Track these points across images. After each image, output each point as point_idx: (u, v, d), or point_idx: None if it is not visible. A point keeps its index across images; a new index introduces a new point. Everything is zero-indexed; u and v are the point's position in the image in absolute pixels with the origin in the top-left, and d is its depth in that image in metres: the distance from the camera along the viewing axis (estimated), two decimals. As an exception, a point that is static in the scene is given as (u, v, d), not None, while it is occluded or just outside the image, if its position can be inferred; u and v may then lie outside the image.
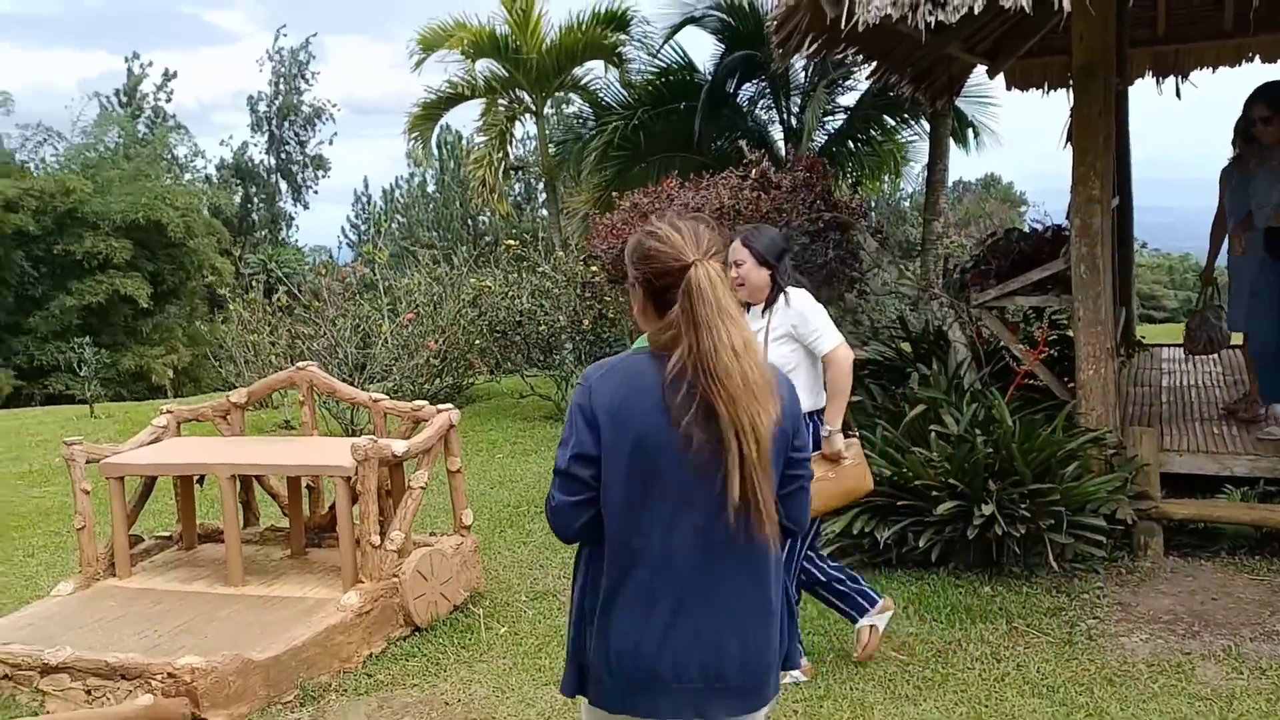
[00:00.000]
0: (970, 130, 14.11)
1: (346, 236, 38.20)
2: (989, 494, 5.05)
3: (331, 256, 32.55)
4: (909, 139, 14.68)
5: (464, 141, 32.04)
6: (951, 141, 13.14)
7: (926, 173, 13.12)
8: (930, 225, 12.53)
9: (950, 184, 16.70)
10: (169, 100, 35.91)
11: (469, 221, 31.38)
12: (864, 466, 4.07)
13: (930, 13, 4.81)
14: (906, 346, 7.23)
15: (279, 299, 10.14)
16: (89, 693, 4.05)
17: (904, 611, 4.81)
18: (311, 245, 36.97)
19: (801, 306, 3.98)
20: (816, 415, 4.01)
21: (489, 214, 24.46)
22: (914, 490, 5.21)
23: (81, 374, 13.14)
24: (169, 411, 5.68)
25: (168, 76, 36.06)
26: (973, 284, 6.52)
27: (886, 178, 17.01)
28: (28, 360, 25.41)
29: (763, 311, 4.02)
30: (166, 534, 5.77)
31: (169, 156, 31.86)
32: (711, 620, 2.04)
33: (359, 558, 4.80)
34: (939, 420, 5.54)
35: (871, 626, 4.28)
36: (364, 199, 38.80)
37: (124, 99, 34.99)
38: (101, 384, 17.64)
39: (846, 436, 4.04)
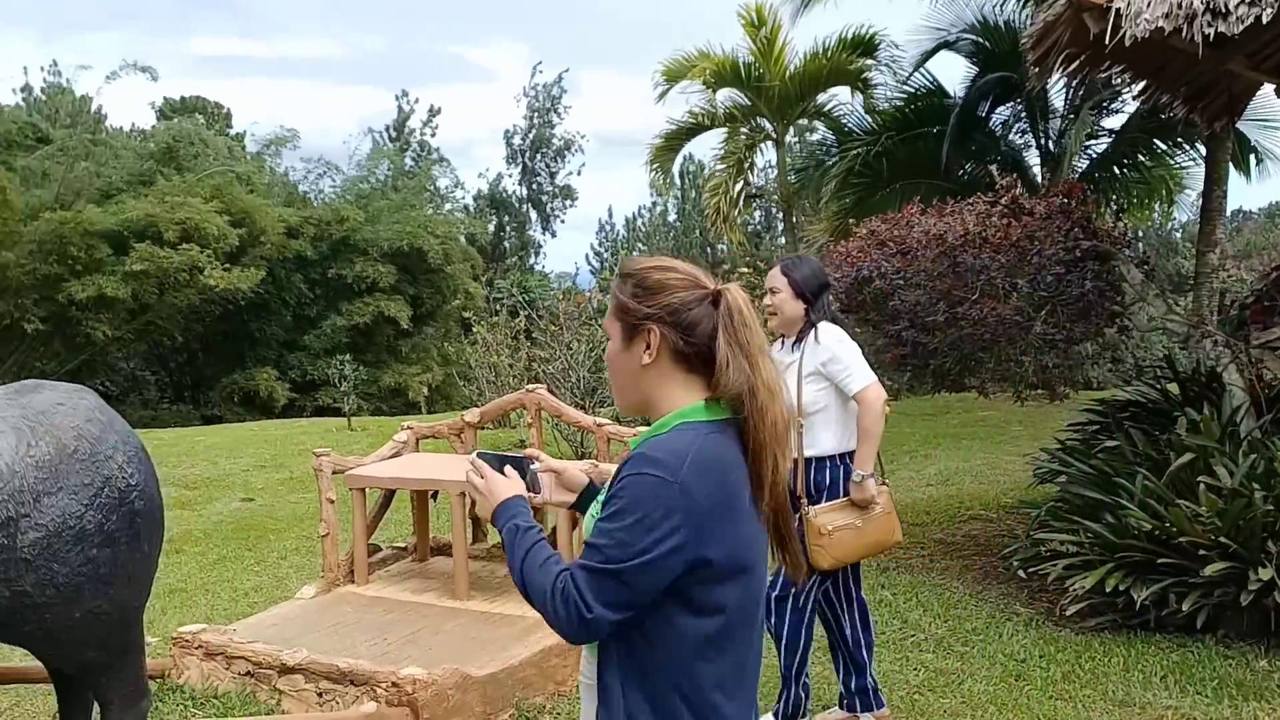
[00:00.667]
0: (1253, 155, 12.78)
1: (590, 264, 39.55)
2: (1268, 556, 4.49)
3: (574, 283, 33.72)
4: (1183, 164, 13.48)
5: (704, 170, 32.41)
6: (1231, 167, 11.94)
7: (1201, 200, 12.00)
8: (1205, 257, 11.37)
9: (1229, 213, 15.25)
10: (434, 135, 38.50)
11: (708, 249, 31.67)
12: (893, 517, 3.88)
13: (1209, 24, 4.34)
14: (1173, 388, 6.56)
15: (519, 323, 10.50)
16: (320, 695, 4.23)
17: (1162, 682, 4.32)
18: (557, 272, 38.50)
19: (831, 343, 3.84)
20: (846, 458, 3.86)
21: (727, 242, 24.55)
22: (1178, 548, 4.70)
23: (342, 389, 14.12)
24: (409, 428, 5.93)
25: (433, 112, 38.67)
26: (1253, 321, 5.85)
27: (1156, 206, 15.71)
28: (301, 374, 27.69)
29: (793, 346, 3.90)
30: (403, 545, 6.02)
31: (432, 188, 34.05)
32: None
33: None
34: (1209, 471, 4.96)
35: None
36: (608, 227, 40.05)
37: (394, 134, 37.77)
38: (363, 398, 18.94)
39: (846, 493, 3.86)
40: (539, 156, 39.93)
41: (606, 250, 39.02)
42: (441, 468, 5.50)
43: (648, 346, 1.75)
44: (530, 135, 39.94)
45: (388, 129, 38.18)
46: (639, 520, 1.60)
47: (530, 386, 5.79)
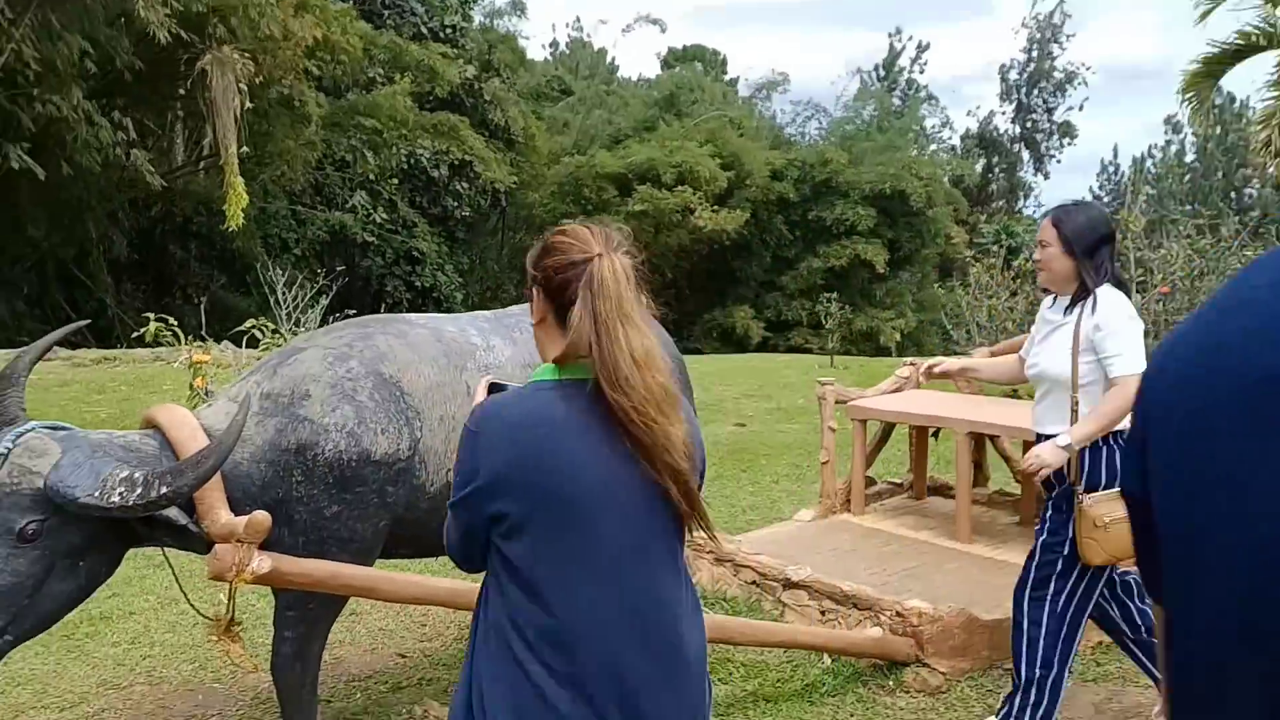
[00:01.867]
0: None
1: (1087, 209, 36.50)
2: None
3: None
4: None
5: (1234, 105, 28.44)
6: None
7: None
8: None
9: None
10: (922, 73, 37.64)
11: (1232, 195, 27.87)
12: None
13: None
14: None
15: (1019, 265, 9.94)
16: (823, 613, 4.33)
17: None
18: (1049, 217, 36.01)
19: (1107, 315, 3.24)
20: (1111, 438, 3.24)
21: (1256, 186, 21.39)
22: None
23: (826, 327, 14.36)
24: (912, 364, 5.84)
25: (922, 49, 37.71)
26: None
27: None
28: (775, 314, 28.67)
29: (1067, 309, 3.36)
30: (898, 481, 5.98)
31: (917, 128, 33.34)
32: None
33: (1096, 539, 4.45)
34: None
35: None
36: (1111, 168, 36.68)
37: (881, 74, 37.35)
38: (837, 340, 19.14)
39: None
40: (1036, 92, 37.49)
41: (1108, 194, 35.82)
42: (944, 405, 5.36)
43: (533, 307, 1.84)
44: (1028, 69, 37.57)
45: (876, 69, 37.91)
46: (458, 465, 1.74)
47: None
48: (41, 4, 17.02)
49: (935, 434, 5.68)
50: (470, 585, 3.21)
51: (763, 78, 35.55)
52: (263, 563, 2.82)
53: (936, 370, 3.97)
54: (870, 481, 5.80)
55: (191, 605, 3.26)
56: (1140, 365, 3.21)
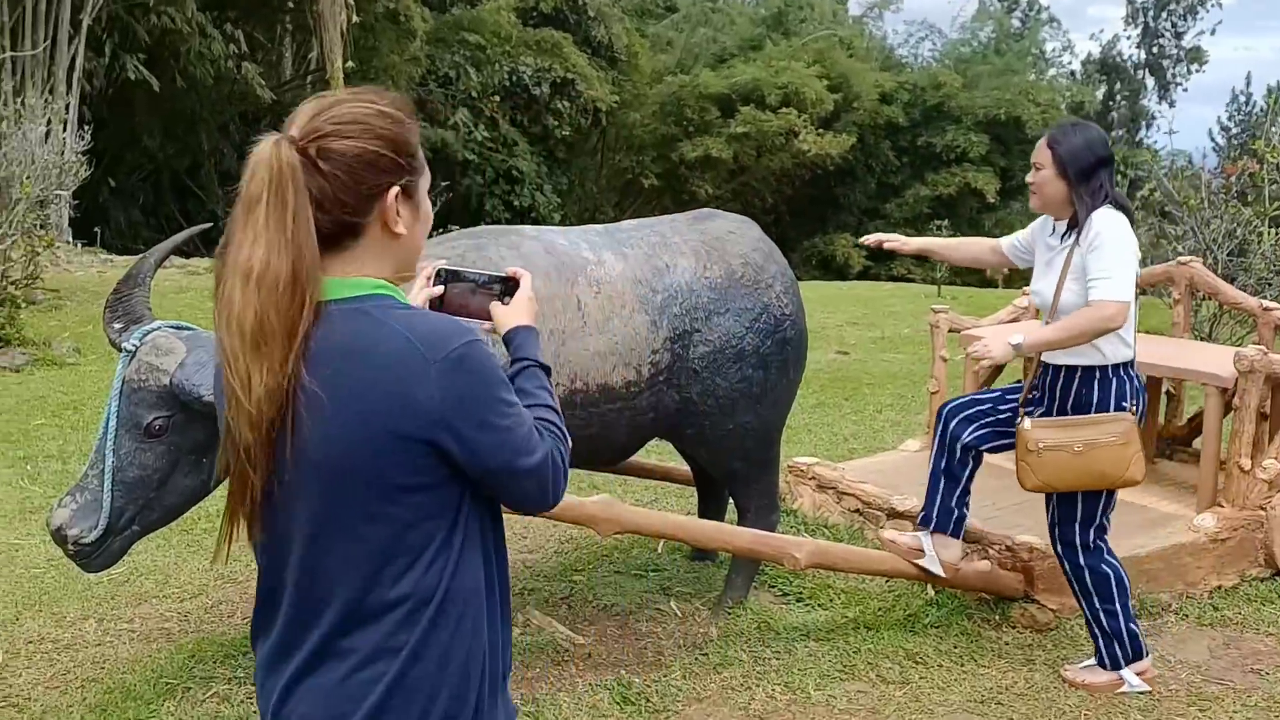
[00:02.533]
0: None
1: (1214, 140, 34.71)
2: None
3: (1190, 161, 29.93)
4: None
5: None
6: None
7: None
8: None
9: None
10: (1044, -8, 35.83)
11: (1377, 128, 26.16)
12: (1130, 451, 3.16)
13: None
14: None
15: (1143, 195, 9.50)
16: (928, 545, 4.24)
17: None
18: (1170, 150, 34.34)
19: (1099, 236, 3.14)
20: (1123, 369, 3.25)
21: None
22: None
23: (933, 256, 13.99)
24: (1030, 293, 5.61)
25: (1046, -31, 35.90)
26: None
27: None
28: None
29: (1064, 235, 3.30)
30: (1009, 414, 5.81)
31: (1037, 51, 31.91)
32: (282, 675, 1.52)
33: (1221, 480, 4.27)
34: None
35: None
36: (1242, 98, 34.68)
37: (1004, -7, 35.75)
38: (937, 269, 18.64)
39: (1119, 410, 3.21)
40: (1164, 15, 35.45)
41: (1238, 124, 33.92)
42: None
43: None
44: (1159, -9, 35.58)
45: (999, -12, 36.26)
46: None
47: (1183, 258, 5.16)
48: (157, -85, 17.25)
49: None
50: (572, 500, 3.22)
51: (874, -4, 34.26)
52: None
53: (887, 245, 3.88)
54: (979, 414, 5.63)
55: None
56: (1121, 294, 3.13)
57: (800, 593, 4.00)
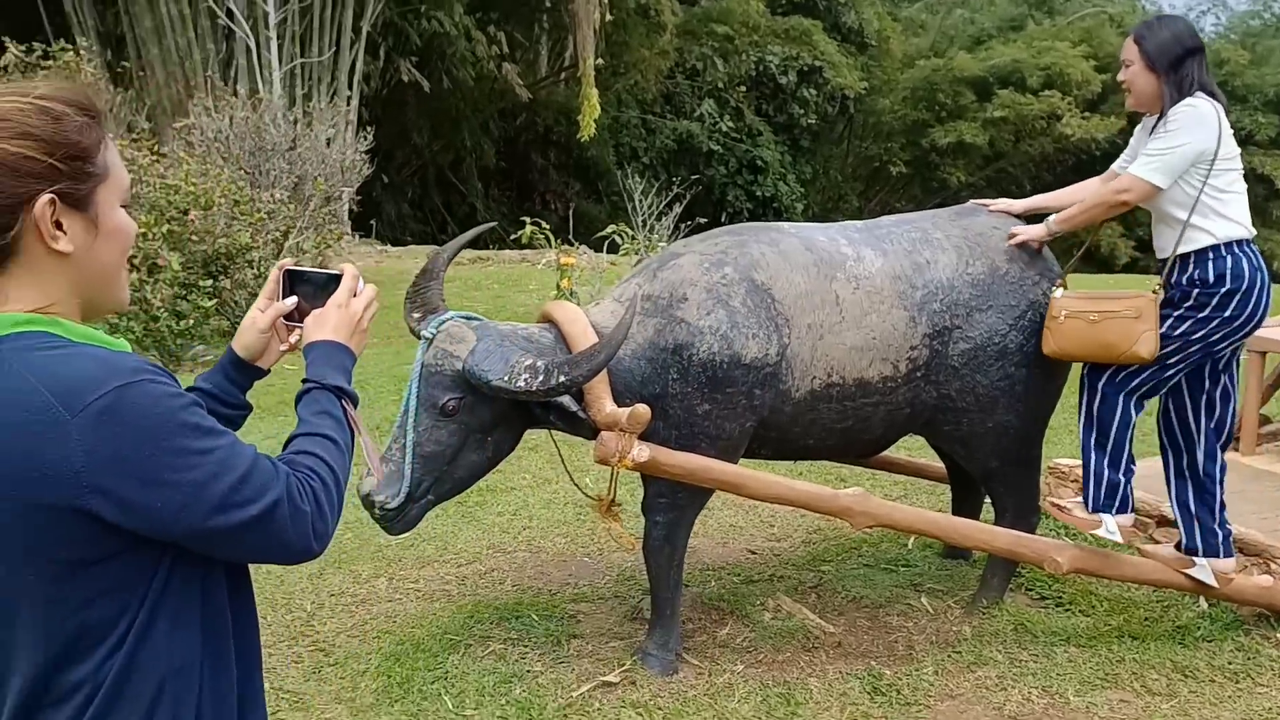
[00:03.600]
0: None
1: None
2: None
3: None
4: None
5: None
6: None
7: None
8: None
9: None
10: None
11: None
12: (1140, 326, 3.24)
13: None
14: None
15: None
16: (1203, 557, 4.00)
17: None
18: None
19: (1170, 123, 3.23)
20: (1236, 245, 3.28)
21: None
22: None
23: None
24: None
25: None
26: None
27: None
28: (1148, 232, 25.97)
29: (1153, 128, 3.36)
30: (1300, 422, 5.36)
31: (1341, 20, 28.73)
32: None
33: None
34: None
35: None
36: None
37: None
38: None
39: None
40: None
41: None
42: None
43: None
44: None
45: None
46: None
47: None
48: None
49: (1351, 372, 5.01)
50: (829, 491, 3.28)
51: (1149, -33, 31.91)
52: (642, 451, 3.02)
53: (993, 208, 3.82)
54: (1265, 420, 5.23)
55: (575, 484, 3.57)
56: (1150, 174, 3.24)
57: (1059, 597, 3.88)
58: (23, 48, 11.24)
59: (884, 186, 30.14)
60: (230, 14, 13.76)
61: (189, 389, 1.41)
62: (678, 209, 10.11)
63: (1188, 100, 3.26)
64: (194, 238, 7.85)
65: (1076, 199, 3.64)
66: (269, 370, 1.70)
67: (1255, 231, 3.38)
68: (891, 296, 3.39)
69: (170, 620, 1.31)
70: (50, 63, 11.08)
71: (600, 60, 21.52)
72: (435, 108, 22.85)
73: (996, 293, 3.50)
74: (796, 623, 3.69)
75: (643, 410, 2.97)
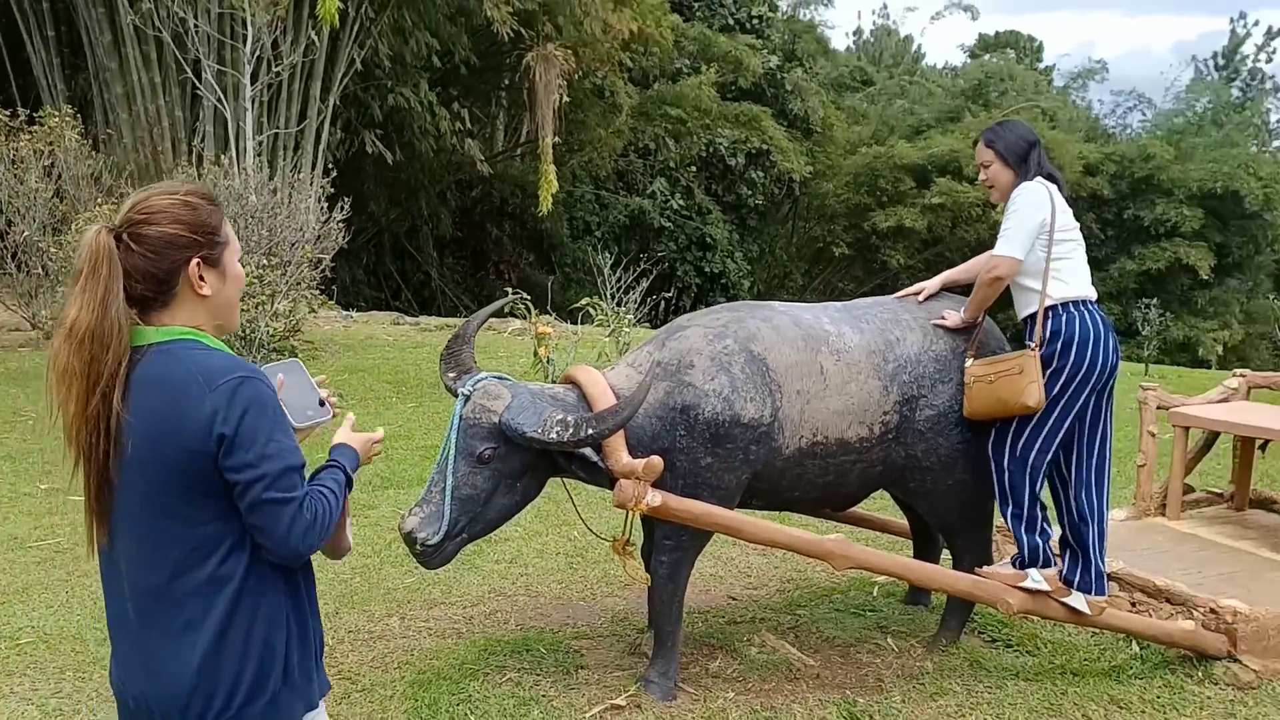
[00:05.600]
0: None
1: None
2: None
3: None
4: None
5: None
6: None
7: None
8: None
9: None
10: (1269, 61, 34.25)
11: None
12: (1024, 381, 3.70)
13: None
14: None
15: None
16: (1134, 604, 4.50)
17: None
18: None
19: (1013, 202, 3.81)
20: (1073, 305, 3.82)
21: None
22: None
23: (1143, 334, 13.80)
24: (1242, 375, 5.79)
25: (1271, 35, 34.34)
26: None
27: None
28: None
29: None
30: (1218, 490, 5.94)
31: (1260, 122, 30.58)
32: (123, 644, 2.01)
33: None
34: None
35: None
36: None
37: (1221, 62, 34.43)
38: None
39: (1023, 348, 3.83)
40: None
41: None
42: (1275, 418, 5.30)
43: None
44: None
45: (1215, 56, 34.94)
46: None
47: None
48: (397, 4, 19.06)
49: (1263, 447, 5.61)
50: (814, 536, 3.73)
51: (1078, 66, 33.87)
52: (655, 497, 3.45)
53: (920, 296, 4.25)
54: (1188, 489, 5.80)
55: (588, 527, 4.00)
56: (1007, 249, 3.78)
57: (1009, 640, 4.36)
58: (7, 112, 11.60)
59: (828, 266, 31.14)
60: (202, 81, 14.16)
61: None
62: (645, 283, 10.63)
63: (1023, 184, 3.84)
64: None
65: (972, 271, 4.17)
66: None
67: (1095, 292, 3.94)
68: (868, 368, 3.89)
69: (258, 552, 1.95)
70: (36, 127, 11.44)
71: (557, 138, 22.21)
72: (394, 177, 23.33)
73: (955, 367, 4.02)
74: (780, 657, 4.11)
75: (657, 461, 3.41)
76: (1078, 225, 3.98)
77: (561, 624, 4.48)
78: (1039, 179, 3.87)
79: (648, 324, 12.31)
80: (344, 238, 11.92)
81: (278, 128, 16.71)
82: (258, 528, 1.91)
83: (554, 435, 3.34)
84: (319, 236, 12.01)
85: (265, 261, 9.85)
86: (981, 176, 4.04)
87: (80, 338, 1.84)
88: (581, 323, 9.86)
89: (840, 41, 38.07)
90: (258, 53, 13.57)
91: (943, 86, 33.18)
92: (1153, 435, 5.52)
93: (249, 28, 13.40)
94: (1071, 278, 3.88)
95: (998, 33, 38.03)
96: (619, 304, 10.15)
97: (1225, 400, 5.64)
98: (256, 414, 1.88)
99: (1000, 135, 3.95)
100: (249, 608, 1.94)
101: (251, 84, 13.93)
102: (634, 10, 22.39)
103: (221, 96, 14.21)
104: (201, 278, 1.96)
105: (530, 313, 8.68)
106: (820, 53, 32.79)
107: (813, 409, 3.79)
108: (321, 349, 12.05)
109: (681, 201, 26.56)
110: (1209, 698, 3.90)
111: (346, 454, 2.20)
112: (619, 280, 10.52)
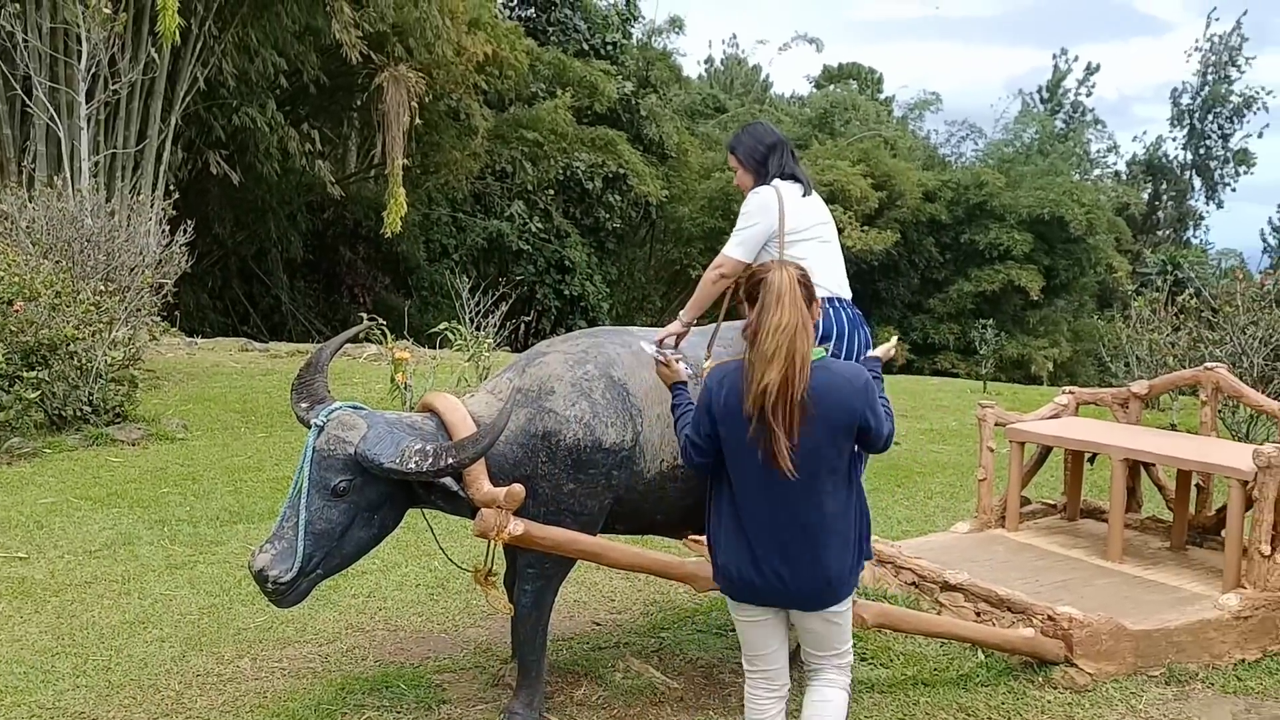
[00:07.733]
0: None
1: (1266, 241, 35.07)
2: None
3: (1243, 261, 30.19)
4: None
5: None
6: None
7: None
8: None
9: None
10: (1089, 94, 36.68)
11: None
12: None
13: None
14: None
15: (1183, 300, 9.97)
16: (978, 614, 4.71)
17: None
18: (1220, 248, 34.71)
19: (744, 206, 3.89)
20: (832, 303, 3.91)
21: None
22: None
23: (980, 353, 14.49)
24: (1070, 392, 6.14)
25: (1090, 70, 36.86)
26: None
27: None
28: (922, 337, 28.55)
29: None
30: (1052, 502, 6.28)
31: (1081, 152, 32.65)
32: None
33: (1244, 564, 4.72)
34: None
35: None
36: (1288, 200, 35.05)
37: (1045, 95, 36.66)
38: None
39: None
40: (1210, 117, 36.12)
41: (1288, 226, 34.28)
42: (1105, 433, 5.64)
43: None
44: (1202, 93, 36.25)
45: (1040, 90, 37.23)
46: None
47: (1210, 365, 5.66)
48: (242, 21, 18.50)
49: (1091, 459, 5.95)
50: (676, 559, 3.76)
51: (915, 97, 35.44)
52: (517, 526, 3.42)
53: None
54: (1025, 501, 6.11)
55: (448, 558, 3.92)
56: (735, 252, 3.86)
57: (864, 653, 4.48)
58: None
59: (685, 288, 31.57)
60: (33, 98, 13.41)
61: None
62: (504, 307, 10.57)
63: (754, 189, 3.91)
64: (13, 329, 7.69)
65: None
66: None
67: (847, 291, 4.02)
68: (725, 391, 3.95)
69: (855, 467, 3.09)
70: None
71: (410, 159, 21.88)
72: (240, 199, 22.54)
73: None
74: (644, 681, 4.12)
75: (519, 489, 3.38)
76: (826, 223, 4.00)
77: (422, 658, 4.39)
78: (776, 181, 3.90)
79: (508, 348, 12.23)
80: (187, 262, 11.47)
81: (115, 147, 15.97)
82: (871, 444, 3.05)
83: (413, 465, 3.28)
84: (160, 260, 11.52)
85: (103, 287, 9.37)
86: (736, 181, 4.11)
87: (788, 329, 2.87)
88: (440, 347, 9.74)
89: (693, 69, 38.87)
90: (94, 69, 12.93)
91: (791, 115, 34.23)
92: (991, 450, 5.80)
93: (84, 43, 12.77)
94: (818, 277, 3.78)
95: (840, 64, 39.48)
96: (478, 328, 10.05)
97: (1056, 416, 5.97)
98: (877, 390, 3.12)
99: (741, 141, 4.04)
100: (854, 507, 3.12)
101: (87, 102, 13.28)
102: (488, 34, 22.36)
103: (54, 115, 13.50)
104: None
105: (386, 337, 8.50)
106: (673, 80, 33.35)
107: (673, 433, 3.82)
108: (165, 378, 11.53)
109: (540, 224, 26.53)
110: (1049, 701, 4.10)
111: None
112: (478, 304, 10.42)
